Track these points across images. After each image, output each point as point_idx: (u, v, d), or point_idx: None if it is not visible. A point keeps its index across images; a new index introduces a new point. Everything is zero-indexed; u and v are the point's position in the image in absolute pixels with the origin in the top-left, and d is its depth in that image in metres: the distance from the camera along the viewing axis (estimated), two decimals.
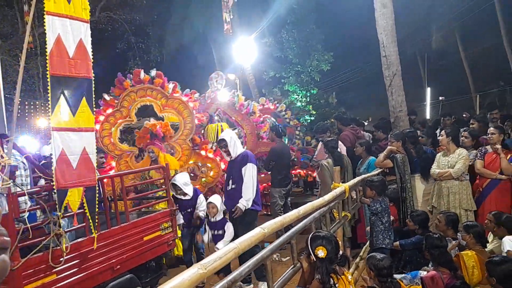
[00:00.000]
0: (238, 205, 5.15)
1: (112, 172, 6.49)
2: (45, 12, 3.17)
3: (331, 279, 2.89)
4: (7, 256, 1.13)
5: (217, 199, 5.36)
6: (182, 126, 6.82)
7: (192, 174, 6.72)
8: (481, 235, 4.32)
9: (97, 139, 6.28)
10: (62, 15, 3.25)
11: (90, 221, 3.53)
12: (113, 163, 6.85)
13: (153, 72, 6.74)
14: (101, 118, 6.70)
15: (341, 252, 3.17)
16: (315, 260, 2.97)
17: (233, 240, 2.93)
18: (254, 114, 8.01)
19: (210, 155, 7.00)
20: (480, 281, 3.81)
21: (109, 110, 6.74)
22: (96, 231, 3.63)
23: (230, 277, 2.10)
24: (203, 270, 1.85)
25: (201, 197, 5.61)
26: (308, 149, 9.04)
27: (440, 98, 21.22)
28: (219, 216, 5.27)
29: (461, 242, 4.48)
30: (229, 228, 5.23)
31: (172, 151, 6.84)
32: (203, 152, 6.99)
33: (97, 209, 3.58)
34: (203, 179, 6.92)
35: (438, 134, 7.15)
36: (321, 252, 2.93)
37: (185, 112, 6.76)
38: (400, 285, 3.54)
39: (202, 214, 5.47)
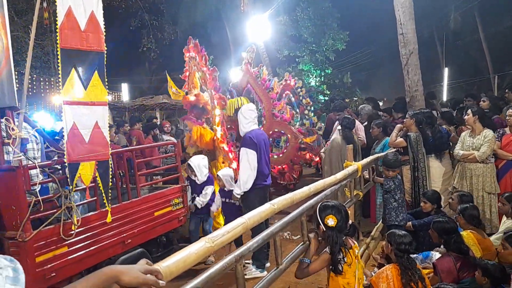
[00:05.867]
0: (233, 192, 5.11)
1: None
2: None
3: (340, 252, 2.87)
4: None
5: (225, 172, 5.39)
6: (209, 103, 6.38)
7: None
8: (473, 217, 4.30)
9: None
10: None
11: (104, 195, 3.54)
12: None
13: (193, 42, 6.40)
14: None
15: (350, 222, 3.13)
16: (324, 230, 2.93)
17: None
18: (272, 90, 7.79)
19: (225, 146, 6.32)
20: (481, 257, 3.82)
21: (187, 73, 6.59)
22: (109, 205, 3.64)
23: (237, 251, 2.08)
24: (211, 243, 1.84)
25: (209, 189, 5.48)
26: (313, 131, 8.92)
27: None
28: (232, 187, 5.27)
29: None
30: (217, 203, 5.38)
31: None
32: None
33: (110, 183, 3.58)
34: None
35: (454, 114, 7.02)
36: (331, 221, 2.88)
37: (208, 90, 6.32)
38: (415, 262, 3.50)
39: (199, 203, 5.42)
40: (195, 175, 5.47)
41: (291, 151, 7.61)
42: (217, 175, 5.34)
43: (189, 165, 5.46)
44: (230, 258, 1.99)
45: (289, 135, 7.56)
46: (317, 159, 8.27)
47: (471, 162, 5.56)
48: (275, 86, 7.92)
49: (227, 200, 5.31)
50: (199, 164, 5.47)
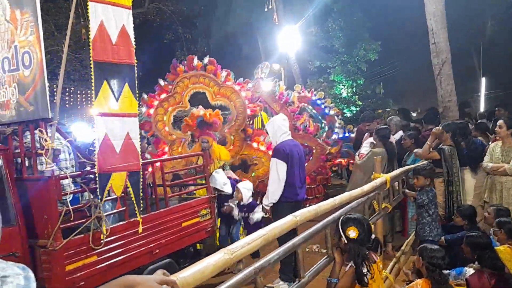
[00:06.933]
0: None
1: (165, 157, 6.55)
2: None
3: (364, 266, 2.80)
4: None
5: (244, 185, 5.41)
6: (234, 115, 6.63)
7: (242, 166, 6.62)
8: None
9: (151, 124, 6.70)
10: (105, 2, 3.30)
11: (135, 205, 3.60)
12: (166, 149, 6.88)
13: (206, 59, 6.69)
14: (155, 103, 6.79)
15: (373, 236, 3.07)
16: (346, 242, 2.88)
17: None
18: (292, 104, 7.85)
19: (262, 147, 6.70)
20: None
21: (163, 95, 6.81)
22: (140, 215, 3.70)
23: (257, 264, 2.06)
24: (229, 255, 1.83)
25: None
26: (350, 138, 8.90)
27: None
28: (248, 200, 5.31)
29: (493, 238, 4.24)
30: (258, 211, 5.24)
31: (224, 141, 6.78)
32: (254, 144, 6.72)
33: (141, 194, 3.65)
34: (253, 173, 6.67)
35: (490, 126, 6.78)
36: (353, 233, 2.84)
37: (237, 102, 6.55)
38: (448, 278, 3.40)
39: (232, 205, 5.43)
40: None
41: (315, 162, 7.58)
42: (237, 187, 5.37)
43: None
44: (250, 270, 1.97)
45: (314, 147, 7.54)
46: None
47: (501, 175, 5.35)
48: (295, 100, 7.96)
49: (244, 215, 5.32)
50: (224, 181, 5.46)
